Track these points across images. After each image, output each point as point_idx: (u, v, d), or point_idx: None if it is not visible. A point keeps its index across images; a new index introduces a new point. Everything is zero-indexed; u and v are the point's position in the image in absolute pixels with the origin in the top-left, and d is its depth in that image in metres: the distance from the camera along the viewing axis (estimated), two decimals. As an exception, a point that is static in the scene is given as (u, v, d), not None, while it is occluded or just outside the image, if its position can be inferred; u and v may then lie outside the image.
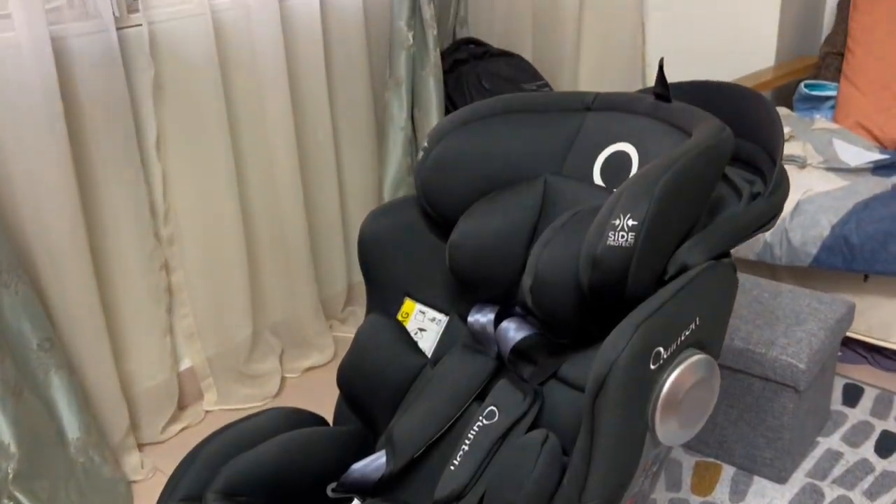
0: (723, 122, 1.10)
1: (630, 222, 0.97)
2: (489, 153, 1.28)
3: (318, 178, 2.24)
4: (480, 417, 1.18)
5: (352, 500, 1.27)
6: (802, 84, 2.53)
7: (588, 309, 1.07)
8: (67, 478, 1.60)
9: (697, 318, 1.01)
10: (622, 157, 1.24)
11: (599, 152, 1.27)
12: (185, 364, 2.08)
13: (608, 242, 0.98)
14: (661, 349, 0.96)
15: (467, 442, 1.16)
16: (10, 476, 1.46)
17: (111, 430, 1.82)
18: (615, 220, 0.98)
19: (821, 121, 2.40)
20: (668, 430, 1.00)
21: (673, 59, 2.78)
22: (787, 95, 2.69)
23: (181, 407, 2.07)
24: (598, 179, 1.26)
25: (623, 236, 0.97)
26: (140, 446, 1.92)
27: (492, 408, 1.17)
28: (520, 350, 1.21)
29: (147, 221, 1.87)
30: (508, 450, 1.11)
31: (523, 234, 1.23)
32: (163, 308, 1.95)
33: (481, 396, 1.23)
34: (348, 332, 2.38)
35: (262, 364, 2.18)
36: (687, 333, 1.00)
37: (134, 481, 1.83)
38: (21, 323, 1.54)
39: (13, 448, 1.46)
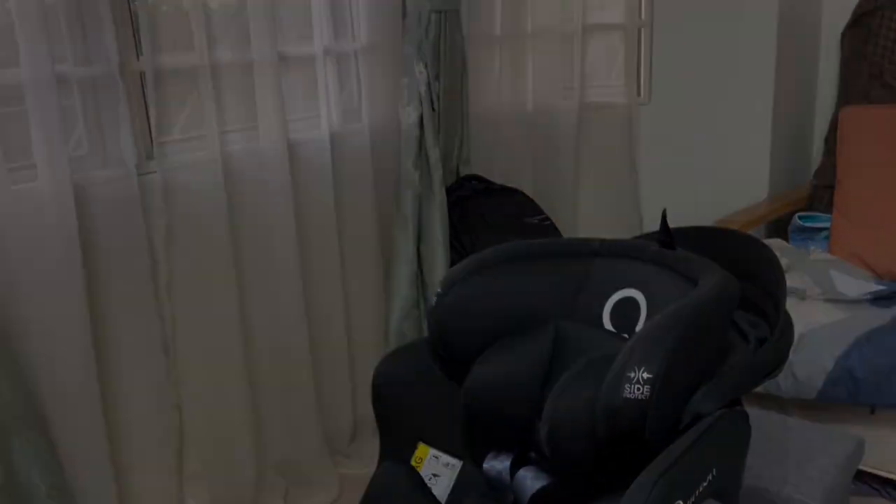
0: (727, 272, 1.14)
1: (645, 375, 0.99)
2: (501, 299, 1.32)
3: (324, 313, 2.27)
4: None
5: None
6: (797, 216, 2.61)
7: (604, 457, 1.08)
8: None
9: (714, 469, 1.01)
10: (631, 304, 1.27)
11: (608, 298, 1.30)
12: (190, 506, 2.04)
13: (624, 395, 1.00)
14: (681, 502, 0.96)
15: None
16: None
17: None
18: (630, 372, 1.00)
19: (816, 252, 2.46)
20: (691, 585, 0.99)
21: (668, 195, 2.87)
22: (782, 227, 2.76)
23: (184, 551, 2.03)
24: (608, 324, 1.29)
25: (639, 389, 0.99)
26: None
27: None
28: (536, 498, 1.20)
29: (160, 361, 1.89)
30: None
31: (536, 379, 1.25)
32: (172, 448, 1.94)
33: (498, 547, 1.22)
34: (354, 469, 2.34)
35: (267, 504, 2.14)
36: (704, 485, 1.00)
37: None
38: (31, 470, 1.53)
39: None
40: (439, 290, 1.33)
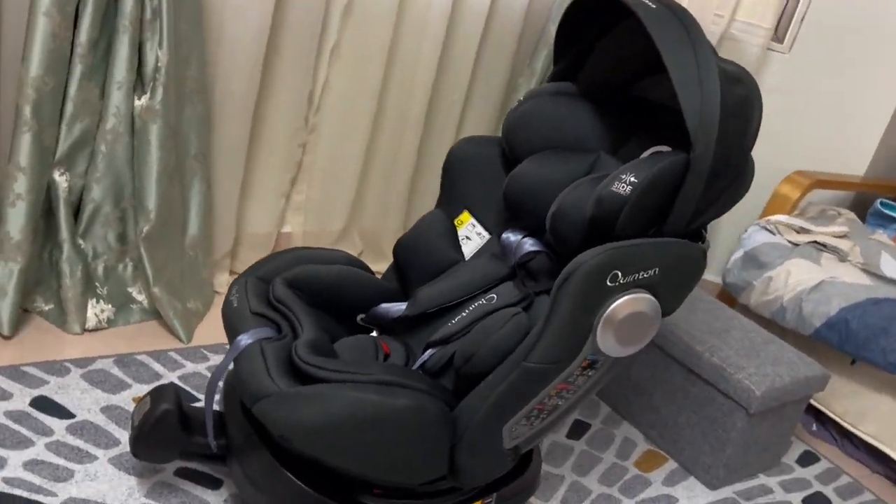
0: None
1: (632, 178, 1.33)
2: (564, 121, 1.66)
3: (442, 125, 2.66)
4: (482, 299, 1.56)
5: (371, 331, 1.67)
6: (879, 201, 2.79)
7: (587, 240, 1.43)
8: (177, 259, 2.07)
9: (657, 269, 1.35)
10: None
11: (645, 149, 1.63)
12: (286, 229, 2.54)
13: (612, 188, 1.34)
14: (619, 273, 1.31)
15: (466, 311, 1.55)
16: (143, 234, 1.94)
17: (216, 246, 2.28)
18: (623, 174, 1.34)
19: (881, 235, 2.65)
20: (606, 340, 1.35)
21: (779, 132, 3.03)
22: (862, 208, 2.93)
23: (270, 260, 2.53)
24: None
25: (624, 187, 1.33)
26: (231, 272, 2.38)
27: (492, 295, 1.55)
28: (528, 268, 1.57)
29: (303, 107, 2.33)
30: (490, 318, 1.48)
31: (565, 184, 1.60)
32: (289, 177, 2.41)
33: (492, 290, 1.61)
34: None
35: (343, 254, 2.63)
36: (644, 275, 1.34)
37: (217, 292, 2.29)
38: (190, 132, 2.01)
39: (152, 214, 1.93)
40: (520, 98, 1.69)
